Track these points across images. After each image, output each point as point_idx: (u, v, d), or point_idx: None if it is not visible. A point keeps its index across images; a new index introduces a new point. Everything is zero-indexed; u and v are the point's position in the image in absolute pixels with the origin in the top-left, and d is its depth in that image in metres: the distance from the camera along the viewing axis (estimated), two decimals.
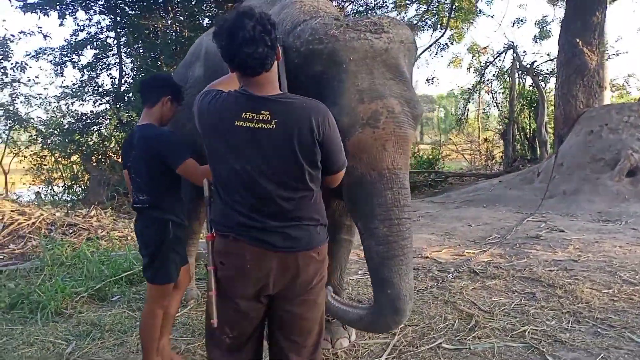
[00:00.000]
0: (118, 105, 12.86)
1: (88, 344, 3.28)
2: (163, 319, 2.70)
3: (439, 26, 15.15)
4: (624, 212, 7.33)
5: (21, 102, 13.93)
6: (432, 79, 17.44)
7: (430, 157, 14.69)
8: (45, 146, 13.33)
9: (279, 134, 1.71)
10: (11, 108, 13.39)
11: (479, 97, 17.27)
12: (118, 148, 12.73)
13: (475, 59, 16.46)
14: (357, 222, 2.31)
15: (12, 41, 12.32)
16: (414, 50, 2.45)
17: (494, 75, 15.48)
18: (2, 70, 12.31)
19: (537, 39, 15.51)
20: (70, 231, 6.39)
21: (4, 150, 14.06)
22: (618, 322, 3.41)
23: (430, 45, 15.32)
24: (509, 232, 6.41)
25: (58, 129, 13.33)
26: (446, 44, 15.64)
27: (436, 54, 15.68)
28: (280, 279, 1.80)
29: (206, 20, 13.27)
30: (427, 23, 15.59)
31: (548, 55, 14.43)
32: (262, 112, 1.72)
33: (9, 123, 13.53)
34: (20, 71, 12.64)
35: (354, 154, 2.16)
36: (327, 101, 2.15)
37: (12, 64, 12.47)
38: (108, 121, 13.30)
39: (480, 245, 5.87)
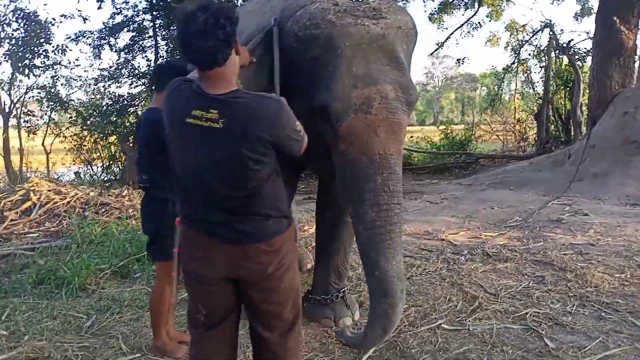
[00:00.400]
0: (153, 88, 13.17)
1: (107, 318, 3.50)
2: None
3: (475, 3, 14.81)
4: None
5: (62, 85, 14.47)
6: (463, 58, 16.94)
7: (463, 138, 14.49)
8: (84, 127, 13.82)
9: (226, 134, 1.73)
10: (53, 90, 13.93)
11: (516, 76, 16.88)
12: None
13: (514, 37, 16.04)
14: (348, 206, 2.36)
15: (53, 24, 12.77)
16: (413, 36, 2.46)
17: (530, 54, 15.08)
18: (44, 53, 12.77)
19: (578, 17, 15.02)
20: (103, 210, 6.69)
21: (46, 131, 14.63)
22: (624, 307, 3.41)
23: (463, 24, 15.02)
24: (531, 215, 6.36)
25: (97, 111, 13.80)
26: (479, 23, 15.30)
27: (468, 32, 15.34)
28: (233, 267, 1.88)
29: (240, 1, 13.37)
30: (462, 0, 15.27)
31: (587, 33, 13.98)
32: (210, 110, 1.74)
33: (51, 105, 14.08)
34: (61, 54, 13.11)
35: (345, 139, 2.21)
36: (321, 86, 2.23)
37: (53, 47, 12.91)
38: (144, 103, 13.66)
39: (500, 228, 5.85)
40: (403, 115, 2.24)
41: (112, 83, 14.04)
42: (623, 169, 8.07)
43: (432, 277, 4.09)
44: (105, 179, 12.80)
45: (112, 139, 13.85)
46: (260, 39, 2.36)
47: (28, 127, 14.12)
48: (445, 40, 14.99)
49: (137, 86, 14.04)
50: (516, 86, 17.02)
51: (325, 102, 2.20)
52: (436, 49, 15.08)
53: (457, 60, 16.56)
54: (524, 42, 14.99)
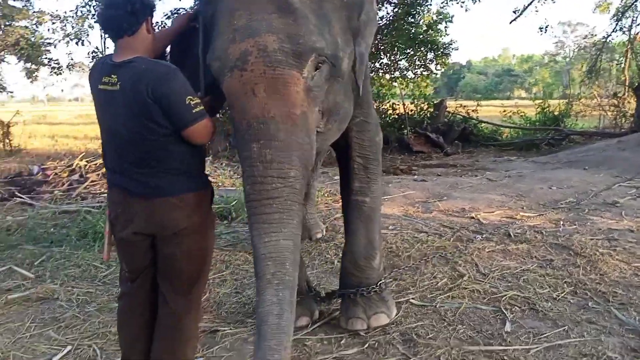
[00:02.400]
0: None
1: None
2: None
3: None
4: None
5: None
6: (546, 27, 15.02)
7: (557, 112, 13.48)
8: None
9: (122, 95, 1.90)
10: None
11: (632, 45, 15.24)
12: None
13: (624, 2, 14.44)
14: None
15: None
16: None
17: (633, 21, 13.52)
18: None
19: None
20: None
21: None
22: (619, 298, 3.17)
23: None
24: (588, 196, 5.93)
25: None
26: None
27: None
28: (146, 222, 2.03)
29: None
30: None
31: None
32: (112, 75, 1.92)
33: None
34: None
35: (228, 102, 2.01)
36: (210, 46, 2.05)
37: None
38: None
39: (547, 209, 5.54)
40: (289, 69, 1.88)
41: None
42: None
43: (433, 254, 4.03)
44: None
45: None
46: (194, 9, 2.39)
47: None
48: (528, 6, 13.73)
49: None
50: (625, 57, 15.20)
51: (208, 62, 2.01)
52: (517, 16, 13.82)
53: (540, 28, 14.98)
54: (626, 8, 13.41)
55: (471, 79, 66.69)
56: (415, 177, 7.90)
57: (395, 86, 14.35)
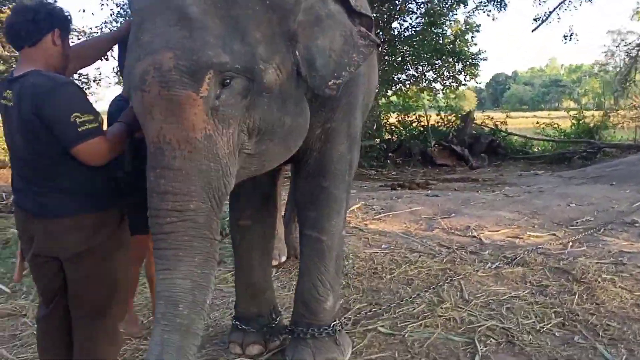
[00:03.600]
0: None
1: None
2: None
3: None
4: None
5: None
6: (570, 35, 14.35)
7: (592, 125, 12.86)
8: None
9: (16, 111, 1.81)
10: None
11: None
12: None
13: None
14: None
15: None
16: None
17: None
18: None
19: None
20: None
21: None
22: (610, 333, 2.86)
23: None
24: (606, 215, 5.55)
25: None
26: None
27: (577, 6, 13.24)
28: (45, 242, 1.92)
29: None
30: None
31: None
32: (8, 90, 1.85)
33: None
34: None
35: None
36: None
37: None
38: None
39: (559, 228, 5.19)
40: (183, 89, 1.67)
41: None
42: None
43: (418, 276, 3.79)
44: None
45: None
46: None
47: None
48: (548, 16, 13.24)
49: None
50: None
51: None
52: (539, 25, 13.32)
53: (564, 36, 14.34)
54: None
55: (517, 90, 65.35)
56: (429, 192, 7.61)
57: (422, 98, 14.09)
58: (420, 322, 3.04)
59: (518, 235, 4.95)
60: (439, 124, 13.45)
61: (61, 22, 1.94)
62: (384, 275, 3.83)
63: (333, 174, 2.49)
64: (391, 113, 13.93)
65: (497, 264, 4.02)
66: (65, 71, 2.01)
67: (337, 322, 2.66)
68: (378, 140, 12.75)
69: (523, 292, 3.45)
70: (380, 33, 12.89)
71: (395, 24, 13.19)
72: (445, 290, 3.49)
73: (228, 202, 2.71)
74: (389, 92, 14.27)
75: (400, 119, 13.60)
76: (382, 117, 13.57)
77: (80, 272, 1.95)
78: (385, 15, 12.69)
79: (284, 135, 2.07)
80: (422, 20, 13.01)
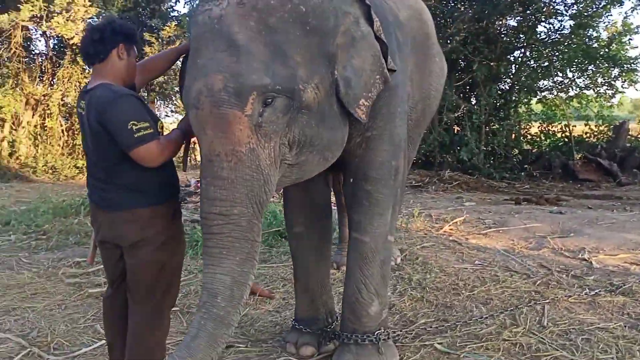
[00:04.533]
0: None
1: None
2: None
3: None
4: None
5: None
6: None
7: None
8: None
9: (86, 119, 2.13)
10: None
11: None
12: None
13: None
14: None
15: None
16: (270, 10, 1.98)
17: None
18: None
19: None
20: None
21: None
22: None
23: None
24: None
25: None
26: None
27: None
28: (108, 231, 2.23)
29: None
30: None
31: None
32: (82, 101, 2.17)
33: None
34: None
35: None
36: None
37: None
38: None
39: None
40: (230, 108, 1.91)
41: None
42: None
43: (500, 296, 3.59)
44: None
45: None
46: None
47: None
48: None
49: None
50: None
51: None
52: None
53: None
54: None
55: None
56: (554, 208, 7.05)
57: (569, 106, 12.99)
58: (482, 344, 2.90)
59: (638, 262, 4.41)
60: (587, 135, 12.31)
61: (125, 37, 2.21)
62: (463, 292, 3.69)
63: (375, 179, 2.57)
64: (533, 122, 13.07)
65: (597, 290, 3.64)
66: (135, 80, 2.31)
67: (383, 330, 2.66)
68: (516, 151, 12.07)
69: (614, 324, 3.11)
70: (523, 37, 12.22)
71: (540, 28, 12.35)
72: (523, 314, 3.27)
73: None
74: (533, 100, 13.42)
75: (542, 128, 12.71)
76: (521, 127, 12.80)
77: (136, 259, 2.21)
78: (529, 19, 11.95)
79: (322, 148, 2.24)
80: (572, 23, 12.04)
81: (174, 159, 2.30)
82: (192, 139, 2.32)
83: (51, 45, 13.08)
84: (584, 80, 13.06)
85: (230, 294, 1.93)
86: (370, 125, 2.48)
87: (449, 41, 10.34)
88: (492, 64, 11.22)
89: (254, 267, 2.05)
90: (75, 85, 11.80)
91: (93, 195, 2.28)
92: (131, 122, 2.04)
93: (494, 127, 11.87)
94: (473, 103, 12.05)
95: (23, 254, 4.89)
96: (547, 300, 3.46)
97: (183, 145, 2.31)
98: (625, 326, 3.09)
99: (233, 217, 1.95)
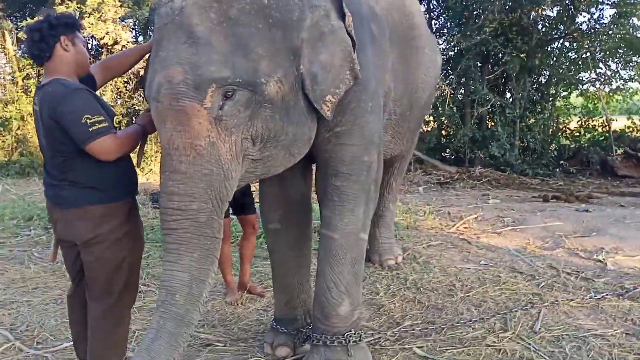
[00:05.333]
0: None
1: None
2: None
3: None
4: None
5: None
6: None
7: None
8: None
9: (38, 115, 2.13)
10: None
11: None
12: None
13: None
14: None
15: None
16: (231, 2, 1.94)
17: None
18: None
19: None
20: None
21: None
22: None
23: None
24: None
25: None
26: None
27: None
28: (64, 230, 2.22)
29: None
30: None
31: None
32: (35, 97, 2.18)
33: None
34: None
35: None
36: None
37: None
38: None
39: None
40: (189, 101, 1.88)
41: None
42: None
43: (496, 299, 3.42)
44: None
45: None
46: None
47: None
48: None
49: None
50: None
51: None
52: None
53: None
54: None
55: None
56: (582, 205, 6.71)
57: (610, 99, 12.37)
58: (464, 349, 2.76)
59: None
60: (630, 129, 11.69)
61: (65, 27, 2.17)
62: (458, 293, 3.54)
63: (345, 175, 2.48)
64: (572, 117, 12.51)
65: (603, 294, 3.43)
66: (89, 69, 2.31)
67: (354, 332, 2.55)
68: (554, 146, 11.60)
69: (613, 331, 2.91)
70: (562, 27, 11.70)
71: (580, 18, 11.79)
72: (515, 318, 3.11)
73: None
74: (574, 93, 12.84)
75: (581, 122, 12.15)
76: (560, 121, 12.28)
77: (91, 256, 2.21)
78: (568, 8, 11.43)
79: (288, 143, 2.19)
80: (615, 11, 11.45)
81: (131, 155, 2.29)
82: (150, 135, 2.30)
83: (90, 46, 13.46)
84: (627, 72, 12.40)
85: (189, 291, 1.89)
86: (340, 121, 2.41)
87: (478, 33, 10.00)
88: (523, 56, 10.78)
89: (213, 263, 2.01)
90: (111, 84, 12.05)
91: (48, 193, 2.28)
92: (85, 116, 2.03)
93: (529, 121, 11.44)
94: (508, 97, 11.64)
95: (37, 248, 5.01)
96: (545, 304, 3.28)
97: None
98: (624, 333, 2.89)
99: (191, 213, 1.92)
